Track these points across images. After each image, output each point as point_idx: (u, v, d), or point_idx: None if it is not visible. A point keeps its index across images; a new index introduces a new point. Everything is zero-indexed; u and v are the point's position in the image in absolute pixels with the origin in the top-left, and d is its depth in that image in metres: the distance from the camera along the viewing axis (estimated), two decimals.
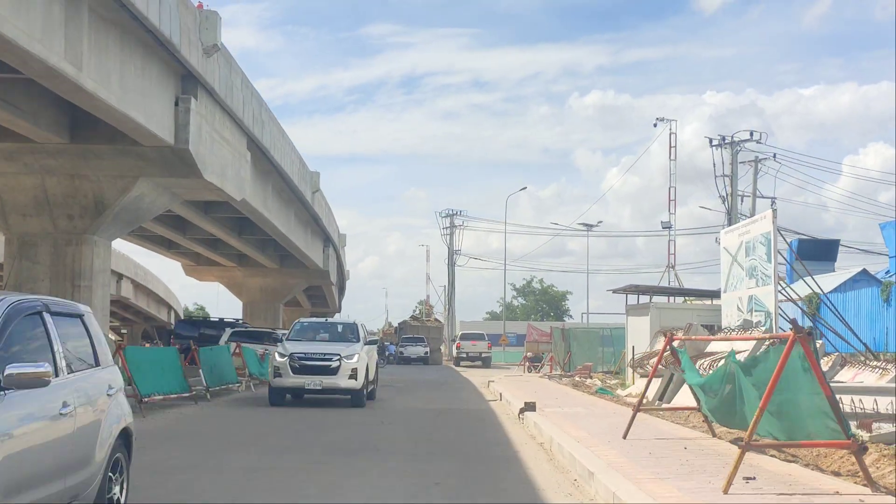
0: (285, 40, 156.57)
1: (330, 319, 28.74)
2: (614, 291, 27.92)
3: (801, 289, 21.54)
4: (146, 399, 16.48)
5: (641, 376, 18.86)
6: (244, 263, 47.36)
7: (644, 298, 26.44)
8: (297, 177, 33.07)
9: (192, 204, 30.51)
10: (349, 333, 20.72)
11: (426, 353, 50.83)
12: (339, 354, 18.23)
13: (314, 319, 25.37)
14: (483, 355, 48.73)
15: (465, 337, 51.87)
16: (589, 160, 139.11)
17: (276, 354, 18.89)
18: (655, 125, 39.96)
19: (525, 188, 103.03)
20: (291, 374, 18.34)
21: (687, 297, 26.47)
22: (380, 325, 74.21)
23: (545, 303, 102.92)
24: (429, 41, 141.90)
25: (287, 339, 20.15)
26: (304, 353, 18.53)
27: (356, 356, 18.41)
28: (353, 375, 18.17)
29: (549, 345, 33.59)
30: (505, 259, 61.41)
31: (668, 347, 12.45)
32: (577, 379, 26.84)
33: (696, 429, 12.53)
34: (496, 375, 33.77)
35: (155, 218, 34.00)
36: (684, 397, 15.54)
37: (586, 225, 61.15)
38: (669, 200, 36.63)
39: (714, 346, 17.78)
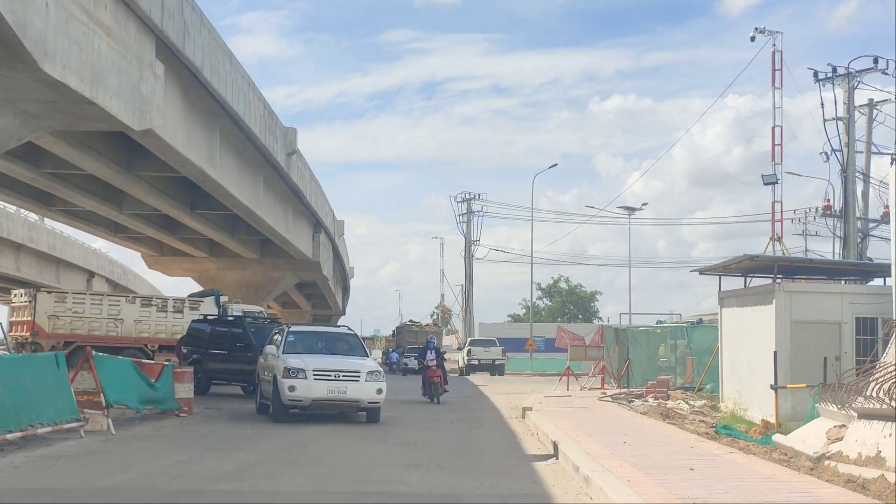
0: (305, 47, 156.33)
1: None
2: (700, 271, 19.22)
3: None
4: None
5: (840, 409, 10.03)
6: (217, 253, 39.09)
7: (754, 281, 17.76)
8: (259, 126, 24.61)
9: (109, 158, 22.13)
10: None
11: None
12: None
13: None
14: (496, 362, 43.73)
15: (475, 343, 46.25)
16: (610, 165, 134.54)
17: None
18: (753, 39, 31.00)
19: (556, 165, 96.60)
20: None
21: (835, 278, 17.62)
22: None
23: (572, 304, 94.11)
24: (448, 47, 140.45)
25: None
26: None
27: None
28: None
29: (598, 350, 24.93)
30: (532, 248, 52.85)
31: None
32: (651, 401, 18.13)
33: None
34: (528, 392, 25.13)
35: (75, 184, 25.84)
36: None
37: (628, 208, 52.37)
38: (774, 146, 27.69)
39: None
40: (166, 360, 18.79)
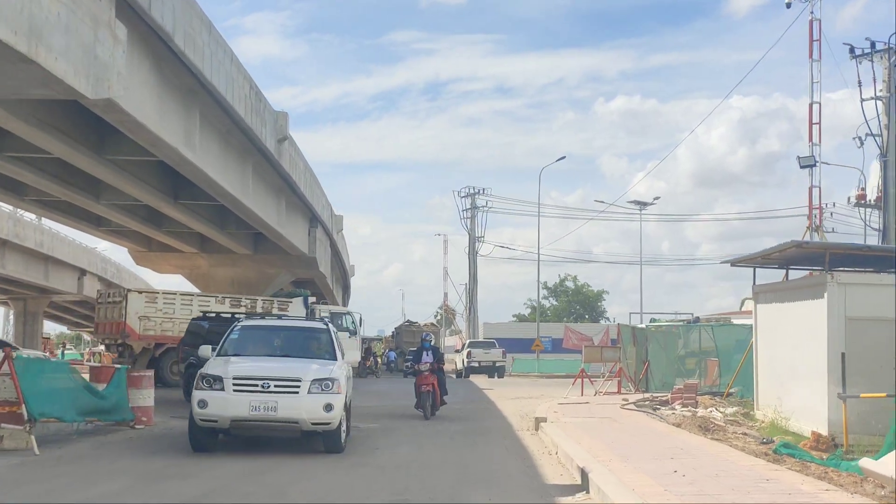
0: (309, 48, 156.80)
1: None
2: (732, 263, 17.11)
3: None
4: None
5: None
6: (208, 248, 37.04)
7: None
8: (244, 108, 22.54)
9: (76, 140, 20.07)
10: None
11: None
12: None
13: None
14: (497, 364, 43.01)
15: (475, 345, 45.07)
16: (614, 166, 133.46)
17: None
18: (789, 6, 28.85)
19: (564, 157, 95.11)
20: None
21: (885, 270, 15.44)
22: None
23: (578, 304, 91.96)
24: (452, 48, 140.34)
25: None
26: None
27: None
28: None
29: (615, 351, 22.80)
30: (538, 243, 50.71)
31: None
32: (679, 409, 16.02)
33: None
34: (537, 398, 23.09)
35: (44, 169, 23.78)
36: None
37: (639, 203, 50.20)
38: (811, 124, 25.32)
39: None
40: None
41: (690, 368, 27.91)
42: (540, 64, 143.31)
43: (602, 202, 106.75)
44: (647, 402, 17.30)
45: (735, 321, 32.47)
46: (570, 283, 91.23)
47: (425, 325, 43.66)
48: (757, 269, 17.53)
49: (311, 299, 30.27)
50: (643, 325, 28.07)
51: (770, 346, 16.55)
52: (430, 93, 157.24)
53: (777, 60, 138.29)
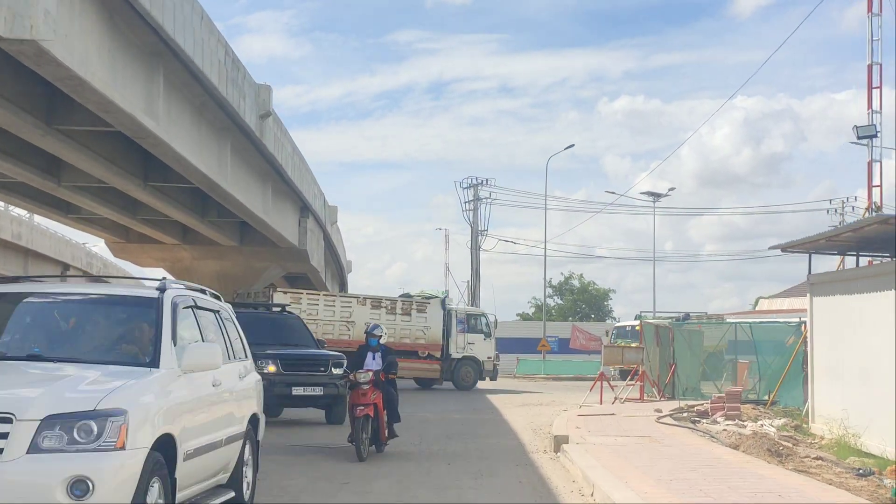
0: (313, 47, 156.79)
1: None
2: (783, 248, 14.42)
3: None
4: None
5: None
6: (191, 240, 34.44)
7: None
8: (217, 75, 19.86)
9: (19, 106, 17.38)
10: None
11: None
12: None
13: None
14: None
15: None
16: (618, 166, 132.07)
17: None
18: None
19: (573, 146, 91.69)
20: None
21: None
22: None
23: (584, 302, 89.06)
24: (456, 47, 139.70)
25: None
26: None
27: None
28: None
29: (637, 352, 20.04)
30: (545, 235, 48.15)
31: None
32: (724, 422, 13.30)
33: None
34: (548, 404, 20.47)
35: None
36: None
37: (653, 194, 47.45)
38: (871, 88, 22.58)
39: None
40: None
41: (716, 371, 25.30)
42: (544, 63, 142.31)
43: (613, 192, 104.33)
44: (683, 414, 14.59)
45: (729, 320, 29.79)
46: (575, 282, 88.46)
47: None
48: (788, 259, 14.87)
49: (449, 301, 32.35)
50: (668, 323, 25.38)
51: (832, 346, 13.87)
52: (433, 92, 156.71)
53: (782, 61, 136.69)
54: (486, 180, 46.99)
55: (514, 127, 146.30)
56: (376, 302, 28.68)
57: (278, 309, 19.04)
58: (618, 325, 43.18)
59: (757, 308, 63.68)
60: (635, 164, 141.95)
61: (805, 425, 14.70)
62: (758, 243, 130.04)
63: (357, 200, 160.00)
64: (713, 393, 23.60)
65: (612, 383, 22.37)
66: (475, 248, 46.62)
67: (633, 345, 21.18)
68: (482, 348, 30.69)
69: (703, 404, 16.50)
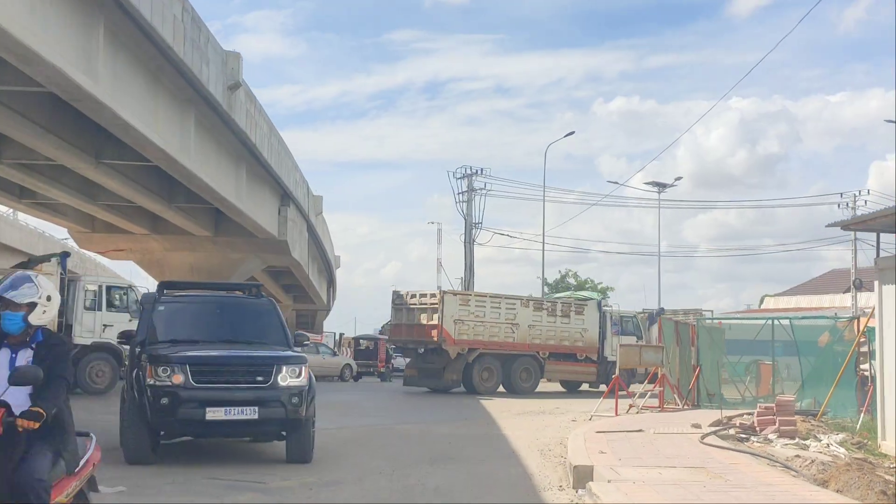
0: (309, 47, 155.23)
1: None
2: (845, 226, 11.90)
3: None
4: None
5: None
6: (161, 229, 31.75)
7: None
8: (172, 33, 17.16)
9: None
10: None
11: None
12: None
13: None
14: None
15: None
16: (612, 166, 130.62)
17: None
18: None
19: (573, 133, 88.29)
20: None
21: None
22: None
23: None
24: (452, 47, 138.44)
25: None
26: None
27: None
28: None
29: (657, 352, 17.33)
30: (544, 227, 45.60)
31: None
32: (776, 439, 10.69)
33: None
34: (553, 412, 17.92)
35: None
36: None
37: (657, 184, 44.84)
38: None
39: None
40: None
41: (736, 373, 22.75)
42: (540, 64, 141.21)
43: (616, 182, 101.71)
44: (725, 429, 11.93)
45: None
46: (571, 280, 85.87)
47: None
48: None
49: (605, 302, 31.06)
50: (692, 320, 22.79)
51: None
52: (429, 92, 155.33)
53: (777, 62, 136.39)
54: (481, 170, 44.32)
55: (509, 127, 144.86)
56: (538, 304, 28.32)
57: (247, 293, 13.15)
58: None
59: (763, 306, 61.28)
60: (631, 164, 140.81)
61: (866, 441, 12.09)
62: (754, 243, 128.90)
63: (352, 200, 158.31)
64: (734, 398, 21.07)
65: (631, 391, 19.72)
66: (469, 242, 43.94)
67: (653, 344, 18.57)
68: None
69: (742, 415, 13.88)
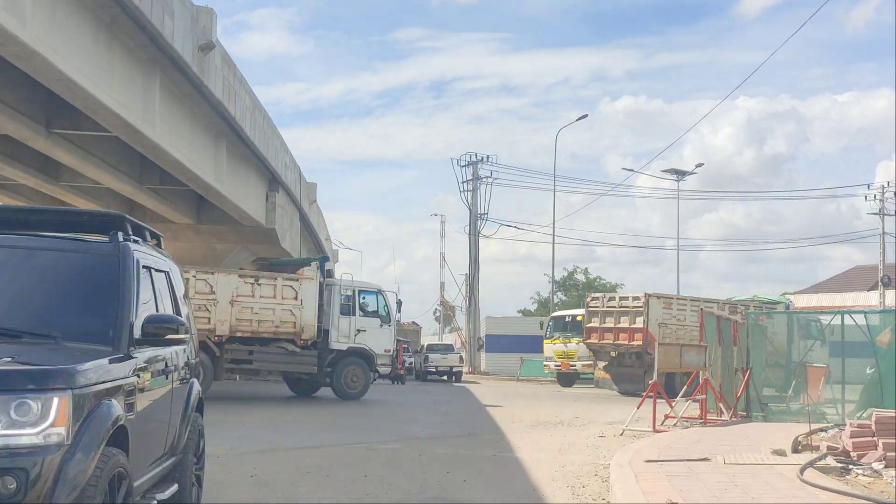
0: (315, 45, 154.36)
1: None
2: None
3: None
4: None
5: None
6: (138, 216, 28.77)
7: None
8: None
9: None
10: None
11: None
12: None
13: None
14: (454, 369, 42.62)
15: (431, 349, 44.75)
16: (619, 165, 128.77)
17: None
18: None
19: (586, 116, 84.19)
20: None
21: None
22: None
23: None
24: (458, 46, 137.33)
25: None
26: None
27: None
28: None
29: (700, 353, 14.46)
30: (554, 217, 42.83)
31: None
32: (885, 474, 7.94)
33: None
34: (571, 423, 15.25)
35: None
36: None
37: (676, 171, 42.03)
38: None
39: None
40: None
41: (776, 377, 19.94)
42: (546, 63, 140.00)
43: (630, 170, 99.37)
44: (821, 458, 9.13)
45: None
46: (580, 276, 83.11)
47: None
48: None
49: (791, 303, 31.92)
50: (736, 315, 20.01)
51: None
52: (435, 90, 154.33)
53: (785, 62, 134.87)
54: (487, 157, 41.53)
55: (515, 126, 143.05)
56: (734, 307, 27.70)
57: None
58: (555, 314, 37.88)
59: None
60: (637, 164, 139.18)
61: None
62: (761, 243, 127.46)
63: (357, 198, 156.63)
64: (779, 407, 18.26)
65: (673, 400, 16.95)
66: (474, 234, 41.18)
67: (695, 343, 15.78)
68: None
69: (814, 432, 11.12)
